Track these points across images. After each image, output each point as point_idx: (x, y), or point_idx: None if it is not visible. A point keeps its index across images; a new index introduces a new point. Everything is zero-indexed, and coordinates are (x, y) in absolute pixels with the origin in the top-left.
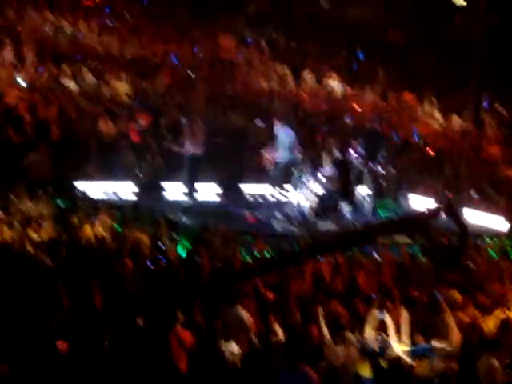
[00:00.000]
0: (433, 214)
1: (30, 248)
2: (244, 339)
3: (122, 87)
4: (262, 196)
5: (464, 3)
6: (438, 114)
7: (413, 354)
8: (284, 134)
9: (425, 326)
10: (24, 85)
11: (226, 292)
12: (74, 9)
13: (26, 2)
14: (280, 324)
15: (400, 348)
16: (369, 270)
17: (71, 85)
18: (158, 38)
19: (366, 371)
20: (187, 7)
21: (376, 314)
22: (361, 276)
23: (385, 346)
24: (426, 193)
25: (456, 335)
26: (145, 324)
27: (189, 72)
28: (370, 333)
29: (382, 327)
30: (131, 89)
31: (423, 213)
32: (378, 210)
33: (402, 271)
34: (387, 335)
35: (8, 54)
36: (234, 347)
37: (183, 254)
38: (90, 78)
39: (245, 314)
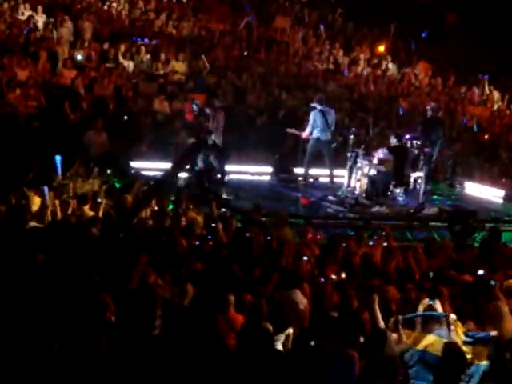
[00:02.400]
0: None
1: (84, 224)
2: (297, 323)
3: (177, 66)
4: (315, 178)
5: None
6: (495, 98)
7: (471, 342)
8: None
9: (477, 314)
10: (81, 62)
11: (282, 275)
12: None
13: None
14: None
15: (457, 337)
16: (422, 254)
17: (127, 63)
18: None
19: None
20: None
21: (426, 300)
22: (414, 261)
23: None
24: (481, 179)
25: (509, 323)
26: (195, 306)
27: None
28: None
29: None
30: (187, 68)
31: None
32: (432, 194)
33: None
34: None
35: (66, 32)
36: (288, 330)
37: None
38: (146, 56)
39: (301, 298)
